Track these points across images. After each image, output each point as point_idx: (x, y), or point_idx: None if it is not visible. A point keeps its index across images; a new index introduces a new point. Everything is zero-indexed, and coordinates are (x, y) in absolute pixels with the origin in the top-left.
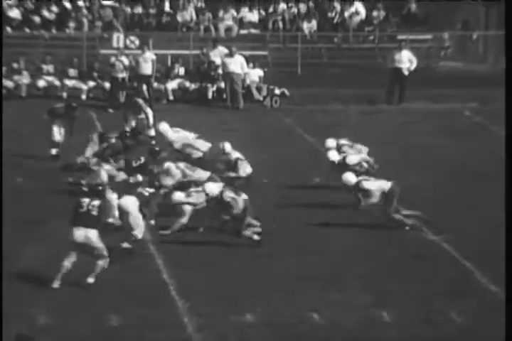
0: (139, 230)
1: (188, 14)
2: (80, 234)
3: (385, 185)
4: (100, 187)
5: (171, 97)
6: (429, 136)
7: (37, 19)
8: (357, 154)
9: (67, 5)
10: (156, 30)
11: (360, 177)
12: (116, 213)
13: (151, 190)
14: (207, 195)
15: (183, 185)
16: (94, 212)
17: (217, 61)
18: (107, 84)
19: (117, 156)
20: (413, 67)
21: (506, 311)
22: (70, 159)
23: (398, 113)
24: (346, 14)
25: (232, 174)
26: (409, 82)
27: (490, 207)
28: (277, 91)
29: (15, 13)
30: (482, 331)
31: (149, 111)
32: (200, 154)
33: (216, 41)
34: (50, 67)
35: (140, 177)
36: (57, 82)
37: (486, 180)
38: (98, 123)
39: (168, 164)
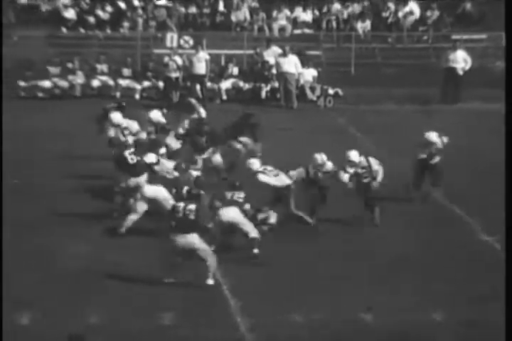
0: (254, 231)
1: (242, 14)
2: (182, 241)
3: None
4: (194, 191)
5: (225, 97)
6: (484, 137)
7: (92, 19)
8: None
9: (122, 5)
10: (210, 29)
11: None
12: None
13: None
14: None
15: None
16: (192, 216)
17: (271, 61)
18: (161, 84)
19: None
20: (468, 66)
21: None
22: None
23: (453, 113)
24: (400, 14)
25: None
26: (464, 82)
27: None
28: (331, 91)
29: (70, 14)
30: None
31: (202, 111)
32: None
33: (270, 41)
34: (104, 67)
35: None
36: (111, 82)
37: None
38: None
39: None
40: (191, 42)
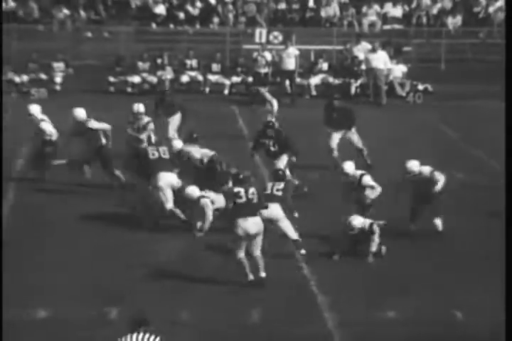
0: (292, 232)
1: (332, 9)
2: (251, 224)
3: None
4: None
5: (314, 93)
6: None
7: (181, 15)
8: None
9: (212, 0)
10: (300, 25)
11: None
12: None
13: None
14: None
15: None
16: (255, 200)
17: (361, 56)
18: (250, 80)
19: None
20: None
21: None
22: None
23: None
24: (491, 9)
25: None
26: None
27: None
28: (420, 87)
29: (160, 9)
30: None
31: (274, 102)
32: None
33: (360, 36)
34: (193, 62)
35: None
36: (200, 77)
37: None
38: (240, 118)
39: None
40: (280, 37)
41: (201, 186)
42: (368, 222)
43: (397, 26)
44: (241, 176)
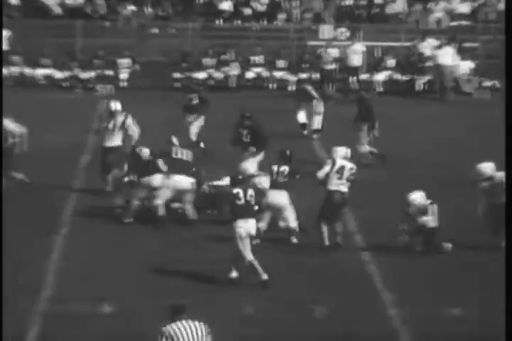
0: (292, 220)
1: (399, 6)
2: (252, 226)
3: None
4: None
5: (380, 89)
6: None
7: (247, 11)
8: None
9: None
10: (366, 21)
11: None
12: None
13: None
14: None
15: None
16: (253, 202)
17: (427, 53)
18: (316, 76)
19: None
20: None
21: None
22: None
23: None
24: None
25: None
26: None
27: None
28: (488, 84)
29: (226, 5)
30: None
31: (320, 100)
32: None
33: (426, 33)
34: (259, 59)
35: None
36: (265, 74)
37: None
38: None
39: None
40: (347, 34)
41: None
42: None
43: (464, 22)
44: (239, 177)
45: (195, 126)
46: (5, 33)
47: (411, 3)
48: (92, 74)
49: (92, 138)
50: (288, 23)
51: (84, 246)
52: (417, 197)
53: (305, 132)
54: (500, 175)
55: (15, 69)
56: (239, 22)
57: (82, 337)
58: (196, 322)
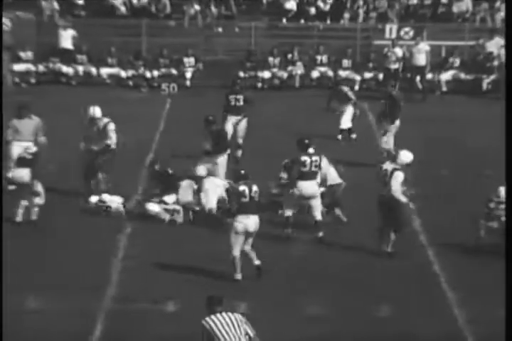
0: (318, 212)
1: (464, 5)
2: (252, 222)
3: None
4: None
5: (445, 89)
6: None
7: (312, 10)
8: None
9: None
10: (431, 21)
11: None
12: None
13: None
14: None
15: None
16: (257, 199)
17: (495, 52)
18: (381, 75)
19: None
20: None
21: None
22: None
23: None
24: None
25: None
26: None
27: None
28: None
29: (291, 5)
30: None
31: (354, 99)
32: None
33: (493, 32)
34: (324, 58)
35: None
36: (330, 73)
37: None
38: (370, 113)
39: None
40: (411, 33)
41: None
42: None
43: None
44: (242, 172)
45: (241, 129)
46: (70, 32)
47: (477, 1)
48: (157, 73)
49: (159, 137)
50: (353, 23)
51: (148, 245)
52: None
53: (340, 137)
54: None
55: (80, 69)
56: (304, 21)
57: (146, 336)
58: (231, 314)
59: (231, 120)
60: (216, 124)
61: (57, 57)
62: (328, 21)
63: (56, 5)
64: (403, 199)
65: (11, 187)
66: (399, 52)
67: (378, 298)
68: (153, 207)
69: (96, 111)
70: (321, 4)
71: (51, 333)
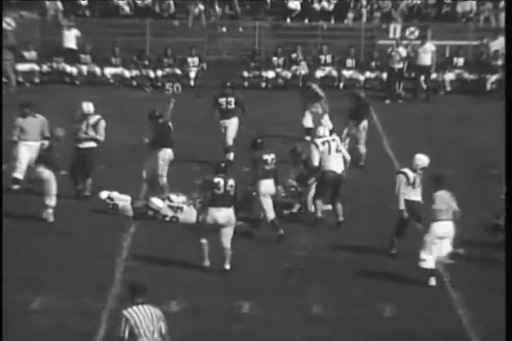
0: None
1: (468, 4)
2: (223, 214)
3: None
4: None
5: (449, 88)
6: None
7: (316, 10)
8: None
9: None
10: (435, 20)
11: None
12: None
13: None
14: None
15: None
16: (232, 193)
17: (499, 51)
18: (384, 75)
19: None
20: None
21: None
22: None
23: None
24: None
25: None
26: None
27: None
28: None
29: (295, 4)
30: None
31: (323, 96)
32: None
33: (497, 31)
34: (327, 58)
35: None
36: (334, 73)
37: None
38: (374, 113)
39: None
40: (416, 33)
41: None
42: None
43: None
44: (222, 165)
45: (231, 130)
46: (74, 32)
47: (481, 1)
48: (160, 72)
49: None
50: (357, 22)
51: (152, 244)
52: None
53: (308, 138)
54: None
55: (84, 68)
56: (308, 21)
57: None
58: (152, 307)
59: (223, 124)
60: (162, 118)
61: (61, 57)
62: (332, 21)
63: (60, 5)
64: (401, 205)
65: (16, 187)
66: (403, 51)
67: (381, 297)
68: (157, 202)
69: (90, 107)
70: (324, 4)
71: (55, 333)
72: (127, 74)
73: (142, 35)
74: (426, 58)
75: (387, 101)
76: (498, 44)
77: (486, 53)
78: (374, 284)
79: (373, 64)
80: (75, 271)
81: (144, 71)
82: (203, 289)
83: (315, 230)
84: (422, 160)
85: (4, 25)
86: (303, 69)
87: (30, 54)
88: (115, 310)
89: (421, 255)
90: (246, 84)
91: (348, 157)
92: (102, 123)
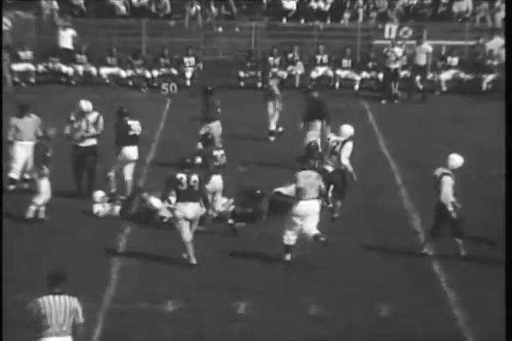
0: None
1: (465, 4)
2: (190, 209)
3: None
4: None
5: (445, 88)
6: None
7: (313, 10)
8: None
9: None
10: (431, 20)
11: None
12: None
13: None
14: None
15: None
16: (196, 188)
17: (495, 51)
18: (380, 75)
19: None
20: None
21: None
22: None
23: None
24: None
25: None
26: None
27: None
28: None
29: (291, 5)
30: None
31: (279, 103)
32: None
33: (493, 32)
34: (323, 58)
35: None
36: (330, 73)
37: None
38: (370, 113)
39: None
40: (410, 32)
41: None
42: None
43: None
44: (187, 160)
45: (215, 134)
46: (70, 31)
47: (477, 1)
48: (157, 72)
49: (159, 137)
50: (353, 22)
51: (147, 245)
52: None
53: (272, 138)
54: None
55: (80, 68)
56: (304, 21)
57: (146, 336)
58: (68, 298)
59: (205, 128)
60: (128, 117)
61: (57, 57)
62: (328, 21)
63: (56, 5)
64: (450, 207)
65: (11, 187)
66: (399, 51)
67: (377, 297)
68: (156, 202)
69: (88, 104)
70: (321, 4)
71: None
72: (123, 74)
73: (138, 35)
74: (422, 58)
75: (383, 102)
76: (494, 44)
77: (482, 53)
78: (371, 284)
79: (370, 64)
80: (71, 271)
81: (140, 71)
82: (200, 289)
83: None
84: (457, 160)
85: None
86: (299, 70)
87: (26, 54)
88: (111, 311)
89: (284, 231)
90: (242, 84)
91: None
92: (102, 120)
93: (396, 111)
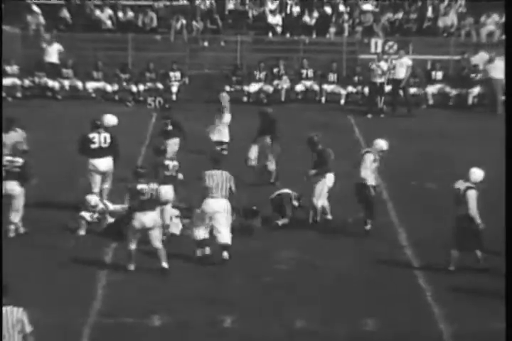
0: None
1: (450, 19)
2: (149, 218)
3: None
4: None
5: (431, 101)
6: None
7: (298, 24)
8: None
9: (328, 10)
10: (417, 35)
11: None
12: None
13: None
14: None
15: None
16: (155, 196)
17: (480, 66)
18: (366, 90)
19: None
20: None
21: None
22: None
23: None
24: None
25: None
26: None
27: None
28: None
29: (276, 19)
30: None
31: (227, 114)
32: None
33: (478, 46)
34: (309, 72)
35: None
36: (316, 87)
37: None
38: (356, 128)
39: None
40: (395, 47)
41: None
42: None
43: None
44: (141, 171)
45: (170, 150)
46: (56, 46)
47: (462, 16)
48: (142, 87)
49: (144, 151)
50: (339, 37)
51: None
52: None
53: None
54: None
55: (66, 83)
56: (289, 35)
57: None
58: (13, 310)
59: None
60: (100, 129)
61: (43, 72)
62: (314, 35)
63: (42, 19)
64: (478, 220)
65: None
66: (384, 66)
67: (364, 312)
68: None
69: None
70: (306, 19)
71: None
72: (109, 88)
73: (124, 49)
74: (401, 72)
75: (369, 116)
76: (479, 59)
77: (467, 68)
78: (357, 298)
79: (355, 78)
80: (57, 285)
81: (126, 85)
82: (185, 303)
83: (298, 244)
84: (478, 174)
85: None
86: (285, 84)
87: (12, 68)
88: (97, 325)
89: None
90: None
91: None
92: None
93: (382, 125)
